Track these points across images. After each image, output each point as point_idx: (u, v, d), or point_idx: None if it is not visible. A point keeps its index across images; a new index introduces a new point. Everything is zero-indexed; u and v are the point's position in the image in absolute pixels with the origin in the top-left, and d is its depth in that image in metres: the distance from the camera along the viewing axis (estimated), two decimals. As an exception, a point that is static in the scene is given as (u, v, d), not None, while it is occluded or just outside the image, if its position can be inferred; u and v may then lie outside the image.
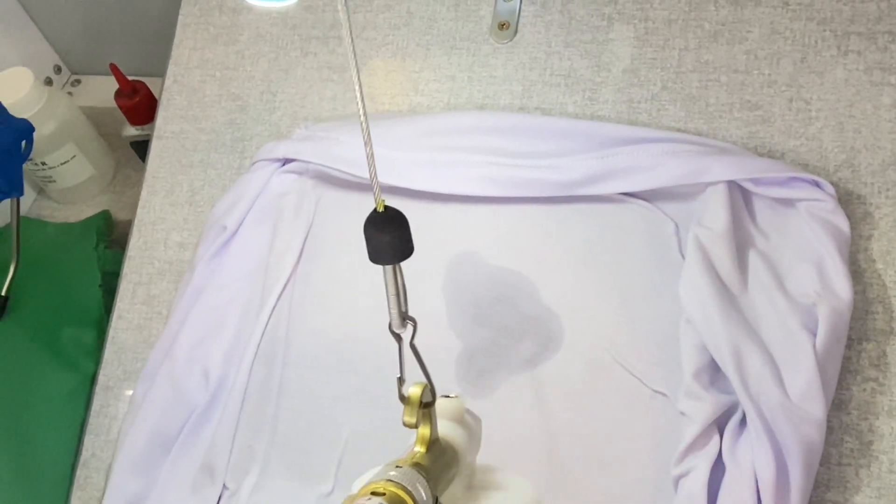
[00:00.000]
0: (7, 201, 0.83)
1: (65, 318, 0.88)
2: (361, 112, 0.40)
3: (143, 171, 0.86)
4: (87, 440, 0.75)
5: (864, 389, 0.60)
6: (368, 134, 0.43)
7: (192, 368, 0.73)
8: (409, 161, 0.74)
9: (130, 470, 0.70)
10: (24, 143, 0.81)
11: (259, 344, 0.72)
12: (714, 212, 0.64)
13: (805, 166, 0.65)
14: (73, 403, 0.79)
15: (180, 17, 0.87)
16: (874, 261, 0.63)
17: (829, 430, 0.59)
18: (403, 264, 0.70)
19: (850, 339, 0.61)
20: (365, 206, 0.71)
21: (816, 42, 0.68)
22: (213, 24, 0.86)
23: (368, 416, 0.68)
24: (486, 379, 0.67)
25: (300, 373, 0.71)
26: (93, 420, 0.75)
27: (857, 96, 0.67)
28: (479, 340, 0.68)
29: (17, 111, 0.85)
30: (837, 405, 0.60)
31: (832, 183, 0.64)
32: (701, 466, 0.57)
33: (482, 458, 0.64)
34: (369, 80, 0.81)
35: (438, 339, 0.68)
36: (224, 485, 0.67)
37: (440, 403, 0.53)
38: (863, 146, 0.65)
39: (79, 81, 1.10)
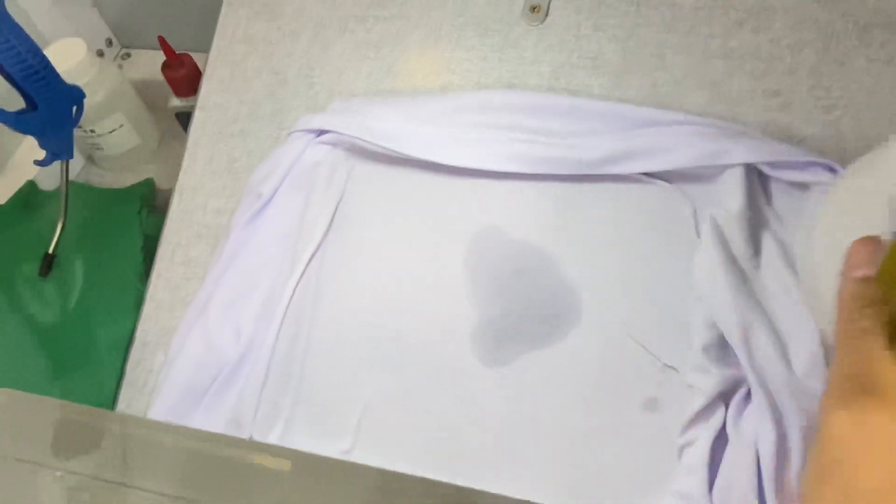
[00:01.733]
0: (57, 164, 0.84)
1: (107, 277, 0.89)
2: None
3: (183, 140, 0.87)
4: (124, 392, 0.76)
5: None
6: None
7: (225, 327, 0.74)
8: (437, 136, 0.75)
9: (164, 419, 0.71)
10: (75, 108, 0.81)
11: (288, 306, 0.73)
12: (731, 193, 0.65)
13: (822, 153, 0.66)
14: (111, 357, 0.80)
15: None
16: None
17: None
18: (426, 236, 0.73)
19: None
20: (395, 178, 0.74)
21: (839, 32, 0.68)
22: (258, 1, 0.87)
23: (388, 380, 0.69)
24: (502, 349, 0.67)
25: (326, 335, 0.71)
26: (130, 373, 0.76)
27: (877, 86, 0.67)
28: (498, 311, 0.68)
29: (69, 79, 0.85)
30: None
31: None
32: (704, 436, 0.58)
33: (496, 423, 0.66)
34: (404, 58, 0.81)
35: (459, 307, 0.69)
36: (251, 437, 0.68)
37: None
38: (879, 134, 0.65)
39: (128, 55, 1.12)
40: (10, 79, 0.76)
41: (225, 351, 0.72)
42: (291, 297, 0.73)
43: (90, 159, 1.06)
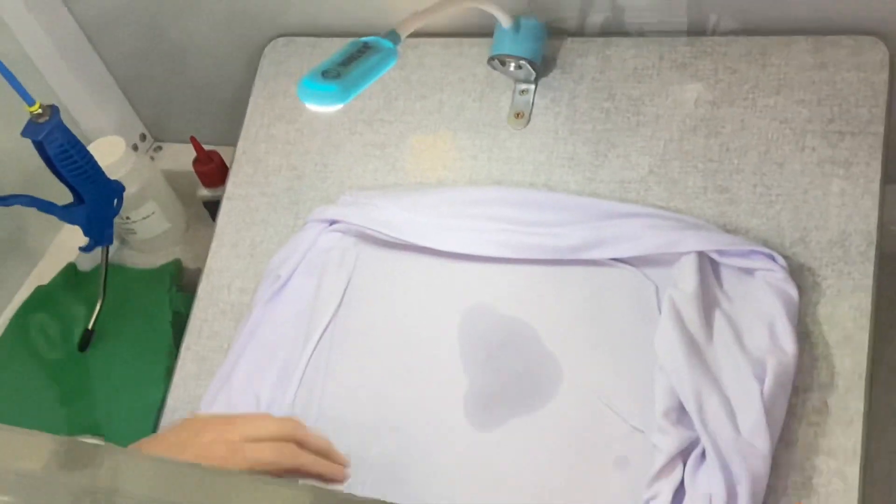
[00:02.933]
0: (98, 249, 0.86)
1: (140, 350, 0.90)
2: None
3: (212, 226, 0.88)
4: None
5: (808, 433, 0.63)
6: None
7: (247, 394, 0.76)
8: (434, 225, 0.77)
9: None
10: (116, 201, 0.83)
11: (302, 376, 0.75)
12: (686, 276, 0.67)
13: (765, 242, 0.69)
14: (143, 423, 0.82)
15: (251, 100, 0.91)
16: (820, 323, 0.66)
17: (777, 466, 0.62)
18: (425, 312, 0.76)
19: (797, 388, 0.64)
20: (398, 261, 0.78)
21: (778, 138, 0.72)
22: (279, 106, 0.89)
23: (391, 442, 0.71)
24: (491, 412, 0.70)
25: (335, 402, 0.74)
26: None
27: (811, 185, 0.70)
28: (488, 379, 0.71)
29: (110, 173, 0.87)
30: (785, 445, 0.63)
31: (787, 257, 0.68)
32: (666, 491, 0.61)
33: (486, 479, 0.68)
34: (405, 156, 0.83)
35: (454, 375, 0.72)
36: None
37: None
38: (814, 226, 0.69)
39: (160, 147, 1.12)
40: (61, 177, 0.79)
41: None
42: (305, 368, 0.76)
43: (123, 241, 1.05)
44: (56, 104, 0.78)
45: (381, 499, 0.68)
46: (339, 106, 0.59)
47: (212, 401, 0.78)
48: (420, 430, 0.71)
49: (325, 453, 0.66)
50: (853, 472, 0.62)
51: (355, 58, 0.59)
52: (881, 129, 0.70)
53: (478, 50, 0.84)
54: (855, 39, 0.73)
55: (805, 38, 0.74)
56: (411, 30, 0.65)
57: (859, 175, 0.70)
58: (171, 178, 1.05)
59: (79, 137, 0.80)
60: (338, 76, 0.58)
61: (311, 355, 0.77)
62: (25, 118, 0.77)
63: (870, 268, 0.67)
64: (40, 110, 0.76)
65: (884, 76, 0.71)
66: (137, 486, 0.36)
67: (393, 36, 0.63)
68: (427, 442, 0.70)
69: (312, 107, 0.60)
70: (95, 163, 0.81)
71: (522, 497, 0.66)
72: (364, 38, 0.62)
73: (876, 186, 0.69)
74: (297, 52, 0.90)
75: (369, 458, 0.70)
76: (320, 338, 0.77)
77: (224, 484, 0.36)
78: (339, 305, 0.78)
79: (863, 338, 0.66)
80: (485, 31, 0.82)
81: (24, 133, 0.76)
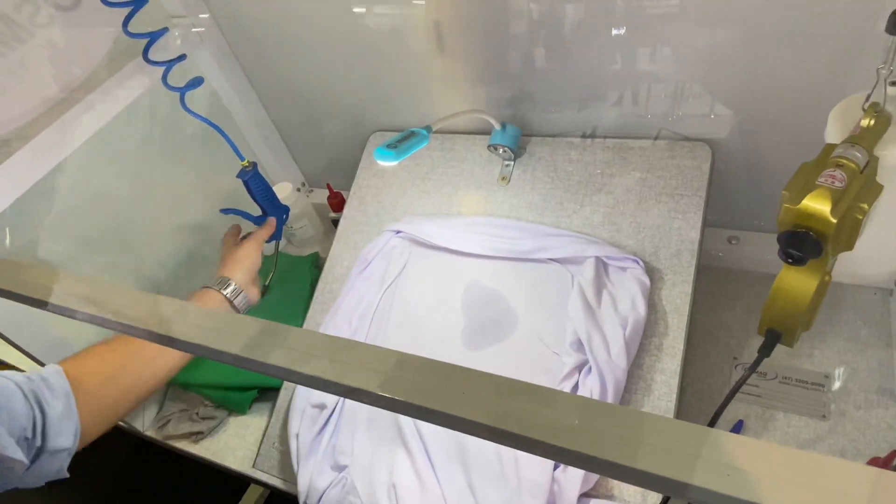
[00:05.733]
0: (274, 242, 0.86)
1: (293, 299, 0.91)
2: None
3: (334, 233, 0.90)
4: None
5: (650, 359, 0.65)
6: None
7: (344, 323, 0.78)
8: (454, 236, 0.79)
9: None
10: (285, 216, 0.86)
11: (374, 313, 0.78)
12: (588, 270, 0.70)
13: (634, 253, 0.71)
14: None
15: (360, 164, 0.92)
16: (662, 299, 0.68)
17: (631, 377, 0.64)
18: (445, 283, 0.77)
19: (645, 334, 0.66)
20: (432, 256, 0.79)
21: (646, 195, 0.73)
22: (374, 168, 0.91)
23: (420, 351, 0.65)
24: (477, 341, 0.71)
25: (394, 329, 0.76)
26: None
27: (662, 223, 0.71)
28: (476, 322, 0.73)
29: (283, 202, 0.90)
30: (636, 366, 0.65)
31: (646, 262, 0.70)
32: (567, 387, 0.64)
33: None
34: (441, 198, 0.83)
35: (455, 318, 0.74)
36: None
37: None
38: (662, 246, 0.70)
39: (312, 190, 1.12)
40: (256, 201, 0.83)
41: (343, 333, 0.77)
42: (375, 310, 0.79)
43: (288, 240, 1.05)
44: (255, 161, 0.81)
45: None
46: (395, 163, 0.63)
47: (325, 327, 0.80)
48: (437, 348, 0.72)
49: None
50: (674, 382, 0.64)
51: (406, 139, 0.64)
52: (703, 194, 0.71)
53: (482, 141, 0.85)
54: (692, 143, 0.74)
55: (664, 141, 0.75)
56: (439, 126, 0.69)
57: (689, 218, 0.71)
58: (316, 206, 1.07)
59: (268, 183, 0.83)
60: (395, 148, 0.62)
61: (378, 303, 0.79)
62: (238, 168, 0.80)
63: (692, 271, 0.69)
64: (248, 164, 0.79)
65: (707, 164, 0.72)
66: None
67: (428, 128, 0.67)
68: (440, 355, 0.71)
69: (381, 163, 0.64)
70: (275, 195, 0.84)
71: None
72: (412, 129, 0.66)
73: (699, 225, 0.70)
74: (384, 139, 0.92)
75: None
76: (383, 294, 0.79)
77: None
78: (398, 276, 0.80)
79: (685, 309, 0.67)
80: (486, 130, 0.83)
81: (238, 175, 0.80)
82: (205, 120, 0.76)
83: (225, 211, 0.82)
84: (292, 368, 0.28)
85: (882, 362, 0.69)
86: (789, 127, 0.68)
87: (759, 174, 0.75)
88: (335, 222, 0.99)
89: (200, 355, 0.31)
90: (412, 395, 0.26)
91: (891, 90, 0.44)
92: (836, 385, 0.68)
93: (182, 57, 0.77)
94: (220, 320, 0.32)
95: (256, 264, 0.74)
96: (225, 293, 0.71)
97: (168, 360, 0.63)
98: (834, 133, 0.48)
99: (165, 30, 0.75)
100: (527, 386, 0.26)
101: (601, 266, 0.71)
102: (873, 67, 0.44)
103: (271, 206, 0.84)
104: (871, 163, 0.43)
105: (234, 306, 0.71)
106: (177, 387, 0.90)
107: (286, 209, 0.86)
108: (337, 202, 1.01)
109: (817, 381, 0.69)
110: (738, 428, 0.68)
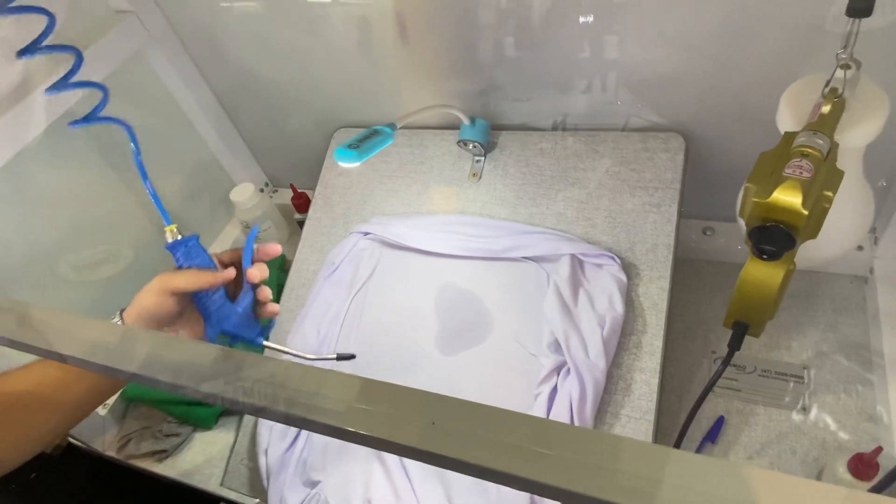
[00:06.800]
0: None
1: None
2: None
3: (300, 235, 0.87)
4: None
5: (629, 358, 0.64)
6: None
7: (312, 329, 0.76)
8: (425, 236, 0.77)
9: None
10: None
11: (343, 320, 0.76)
12: (564, 268, 0.68)
13: (610, 249, 0.69)
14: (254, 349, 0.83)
15: (324, 163, 0.89)
16: (639, 296, 0.66)
17: (610, 377, 0.63)
18: (417, 285, 0.74)
19: (623, 332, 0.65)
20: (403, 257, 0.77)
21: (621, 190, 0.71)
22: (339, 167, 0.87)
23: (393, 360, 0.69)
24: (452, 345, 0.70)
25: (363, 335, 0.74)
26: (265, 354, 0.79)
27: (637, 217, 0.70)
28: (450, 326, 0.71)
29: (245, 205, 0.90)
30: (615, 365, 0.63)
31: (622, 258, 0.68)
32: (546, 391, 0.62)
33: (446, 382, 0.66)
34: (410, 197, 0.81)
35: (431, 322, 0.72)
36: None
37: None
38: (638, 241, 0.69)
39: (276, 190, 1.09)
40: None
41: (311, 341, 0.75)
42: (345, 315, 0.76)
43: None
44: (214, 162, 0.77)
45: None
46: (357, 164, 0.60)
47: (294, 332, 0.77)
48: (411, 354, 0.70)
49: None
50: (654, 381, 0.63)
51: (368, 138, 0.61)
52: (678, 186, 0.70)
53: (452, 137, 0.83)
54: (666, 134, 0.72)
55: (637, 133, 0.74)
56: (404, 123, 0.66)
57: (664, 212, 0.69)
58: (281, 207, 1.04)
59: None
60: (357, 147, 0.59)
61: (348, 309, 0.77)
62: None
63: (669, 265, 0.67)
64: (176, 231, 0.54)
65: (681, 156, 0.71)
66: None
67: (392, 125, 0.64)
68: (414, 360, 0.70)
69: (342, 164, 0.61)
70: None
71: (469, 394, 0.66)
72: (375, 127, 0.63)
73: (674, 218, 0.69)
74: (350, 136, 0.90)
75: (382, 368, 0.70)
76: (353, 300, 0.77)
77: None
78: (367, 280, 0.78)
79: (663, 305, 0.66)
80: (455, 126, 0.81)
81: (167, 248, 0.56)
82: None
83: (172, 247, 0.55)
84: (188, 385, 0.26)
85: (860, 352, 0.68)
86: (759, 114, 0.67)
87: (734, 163, 0.74)
88: (301, 224, 0.96)
89: (94, 370, 0.28)
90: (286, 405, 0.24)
91: (848, 74, 0.43)
92: (815, 377, 0.68)
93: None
94: (111, 334, 0.29)
95: (154, 308, 0.51)
96: None
97: (90, 384, 0.53)
98: (788, 119, 0.47)
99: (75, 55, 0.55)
100: (477, 408, 0.24)
101: (577, 264, 0.69)
102: (823, 51, 0.42)
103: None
104: (833, 149, 0.42)
105: None
106: (137, 403, 0.86)
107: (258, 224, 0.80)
108: (302, 203, 0.98)
109: (796, 374, 0.68)
110: (718, 425, 0.67)
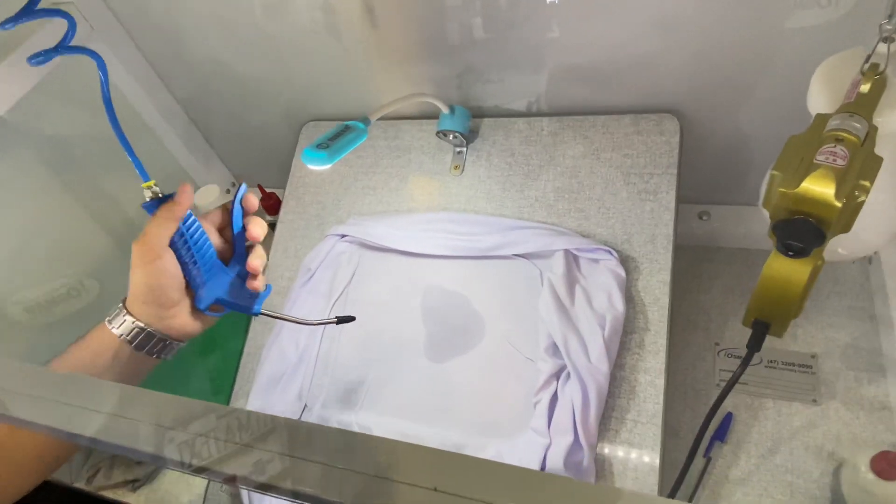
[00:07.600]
0: None
1: (229, 319, 0.77)
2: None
3: (272, 238, 0.84)
4: (238, 378, 0.75)
5: (632, 359, 0.61)
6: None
7: (290, 341, 0.73)
8: (406, 236, 0.73)
9: (257, 395, 0.71)
10: None
11: (323, 331, 0.72)
12: (558, 265, 0.65)
13: (605, 242, 0.66)
14: (229, 363, 0.78)
15: (294, 160, 0.86)
16: (639, 291, 0.63)
17: (614, 380, 0.60)
18: (400, 290, 0.71)
19: (625, 332, 0.61)
20: (384, 259, 0.74)
21: (613, 178, 0.68)
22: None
23: (380, 371, 0.68)
24: (442, 353, 0.67)
25: (346, 347, 0.71)
26: (240, 371, 0.75)
27: (633, 206, 0.66)
28: (439, 332, 0.68)
29: (210, 209, 0.86)
30: (618, 367, 0.61)
31: (619, 251, 0.65)
32: (545, 398, 0.59)
33: (438, 394, 0.63)
34: (388, 194, 0.78)
35: (418, 328, 0.69)
36: (305, 404, 0.68)
37: None
38: (635, 232, 0.66)
39: None
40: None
41: (290, 356, 0.72)
42: (325, 326, 0.72)
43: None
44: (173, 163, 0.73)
45: (373, 405, 0.65)
46: (328, 167, 0.55)
47: (270, 345, 0.74)
48: (397, 362, 0.68)
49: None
50: (660, 382, 0.60)
51: (340, 135, 0.56)
52: (675, 171, 0.67)
53: (430, 127, 0.79)
54: (658, 116, 0.69)
55: (628, 115, 0.71)
56: (379, 116, 0.61)
57: (662, 199, 0.66)
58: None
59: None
60: (327, 147, 0.54)
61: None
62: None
63: (669, 257, 0.64)
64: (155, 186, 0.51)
65: (676, 138, 0.68)
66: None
67: (365, 120, 0.59)
68: (401, 370, 0.67)
69: (311, 167, 0.56)
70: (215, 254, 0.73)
71: (462, 404, 0.63)
72: (346, 122, 0.58)
73: (672, 206, 0.65)
74: (321, 131, 0.84)
75: (367, 381, 0.68)
76: (332, 307, 0.73)
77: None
78: (347, 286, 0.74)
79: (665, 300, 0.62)
80: (433, 115, 0.78)
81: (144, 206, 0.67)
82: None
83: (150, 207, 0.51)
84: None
85: (868, 336, 0.66)
86: (760, 92, 0.64)
87: (730, 144, 0.71)
88: (272, 227, 0.92)
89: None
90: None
91: (892, 48, 0.39)
92: (824, 365, 0.65)
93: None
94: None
95: (153, 280, 0.43)
96: (115, 330, 0.45)
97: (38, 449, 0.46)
98: (820, 100, 0.43)
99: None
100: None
101: (572, 259, 0.66)
102: (852, 23, 0.38)
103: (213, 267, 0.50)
104: (871, 133, 0.38)
105: (144, 350, 0.46)
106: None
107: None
108: (271, 204, 0.94)
109: (805, 363, 0.65)
110: (727, 422, 0.64)
